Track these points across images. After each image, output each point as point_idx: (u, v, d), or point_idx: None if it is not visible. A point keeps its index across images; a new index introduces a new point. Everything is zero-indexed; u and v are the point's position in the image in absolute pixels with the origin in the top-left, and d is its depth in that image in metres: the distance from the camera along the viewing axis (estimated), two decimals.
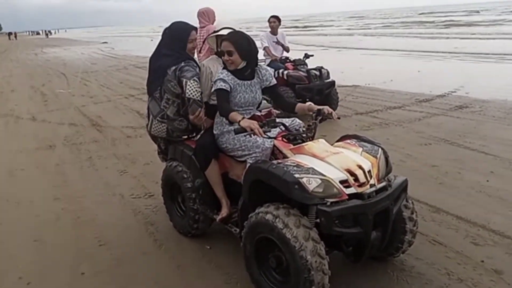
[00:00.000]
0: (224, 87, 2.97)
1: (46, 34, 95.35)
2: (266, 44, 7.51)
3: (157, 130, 3.45)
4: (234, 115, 2.81)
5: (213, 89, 3.04)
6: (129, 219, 3.94)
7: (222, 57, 3.04)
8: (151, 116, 3.48)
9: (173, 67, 3.23)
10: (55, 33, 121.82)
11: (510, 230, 3.41)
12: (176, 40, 3.32)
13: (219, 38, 3.34)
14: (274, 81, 3.22)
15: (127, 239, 3.58)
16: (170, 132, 3.42)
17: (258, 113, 3.19)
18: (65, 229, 3.82)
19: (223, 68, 3.09)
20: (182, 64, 3.22)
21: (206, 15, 5.70)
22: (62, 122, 8.19)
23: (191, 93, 3.13)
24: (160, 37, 3.45)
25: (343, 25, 54.18)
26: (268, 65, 7.31)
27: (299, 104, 3.15)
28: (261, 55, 3.81)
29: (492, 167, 4.81)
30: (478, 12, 60.25)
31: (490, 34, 24.78)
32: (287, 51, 7.81)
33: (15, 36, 78.51)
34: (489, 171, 4.68)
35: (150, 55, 3.50)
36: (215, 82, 3.02)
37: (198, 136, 3.40)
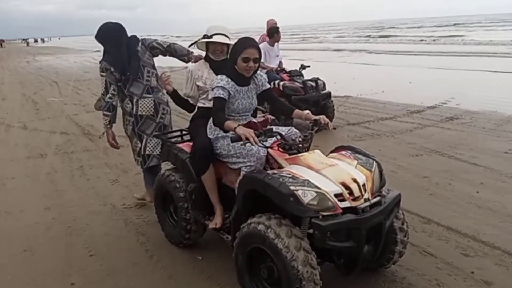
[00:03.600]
0: (222, 96, 2.94)
1: (26, 43, 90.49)
2: (261, 60, 7.48)
3: (144, 107, 3.76)
4: (229, 124, 2.78)
5: (210, 96, 3.03)
6: (120, 229, 3.92)
7: (246, 64, 2.97)
8: (135, 98, 3.76)
9: (139, 44, 3.77)
10: (47, 41, 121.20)
11: (500, 241, 3.43)
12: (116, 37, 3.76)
13: (210, 44, 3.37)
14: (268, 85, 3.26)
15: (118, 249, 3.56)
16: (156, 105, 3.75)
17: (255, 120, 3.20)
18: (55, 239, 3.79)
19: (222, 74, 3.04)
20: (141, 39, 3.81)
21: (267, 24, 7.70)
22: (53, 130, 8.15)
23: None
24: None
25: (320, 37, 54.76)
26: None
27: (296, 110, 3.15)
28: None
29: (483, 178, 4.86)
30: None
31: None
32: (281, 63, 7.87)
33: (1, 45, 74.53)
34: (480, 183, 4.72)
35: None
36: (212, 89, 3.00)
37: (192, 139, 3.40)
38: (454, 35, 38.20)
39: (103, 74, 3.68)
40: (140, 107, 3.75)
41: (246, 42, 3.03)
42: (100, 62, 3.73)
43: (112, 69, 3.66)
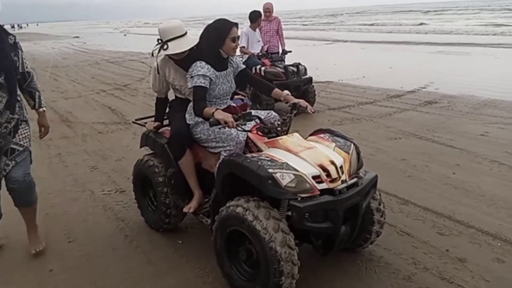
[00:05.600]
0: (203, 84, 2.88)
1: None
2: (243, 44, 7.43)
3: None
4: (207, 110, 2.75)
5: (190, 85, 2.93)
6: (99, 215, 3.89)
7: (235, 43, 2.95)
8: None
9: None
10: (24, 27, 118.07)
11: (474, 220, 3.53)
12: None
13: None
14: (243, 66, 3.24)
15: (97, 235, 3.53)
16: None
17: (234, 104, 3.18)
18: None
19: (199, 60, 2.95)
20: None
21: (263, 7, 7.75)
22: (30, 117, 7.94)
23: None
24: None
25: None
26: (245, 61, 7.30)
27: (276, 90, 3.15)
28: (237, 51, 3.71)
29: (459, 160, 4.96)
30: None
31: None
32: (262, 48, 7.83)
33: None
34: (456, 164, 4.82)
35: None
36: (192, 77, 2.91)
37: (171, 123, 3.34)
38: (423, 23, 38.29)
39: None
40: None
41: (228, 23, 2.99)
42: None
43: None
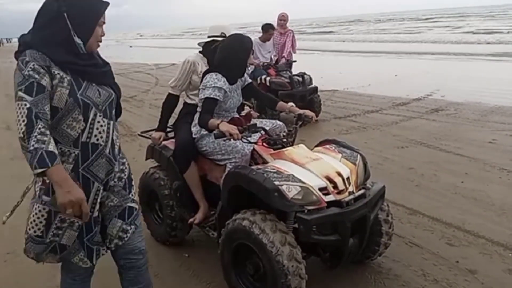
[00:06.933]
0: (217, 97, 2.88)
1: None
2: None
3: None
4: (212, 122, 2.75)
5: (203, 96, 2.91)
6: None
7: (252, 55, 3.05)
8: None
9: None
10: None
11: (484, 230, 3.48)
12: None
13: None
14: (249, 79, 3.25)
15: None
16: None
17: (238, 116, 3.18)
18: None
19: (215, 72, 2.96)
20: None
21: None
22: None
23: None
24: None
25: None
26: (251, 72, 7.29)
27: (280, 103, 3.17)
28: None
29: (467, 168, 4.91)
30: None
31: None
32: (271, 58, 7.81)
33: None
34: (464, 173, 4.77)
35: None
36: (206, 88, 2.89)
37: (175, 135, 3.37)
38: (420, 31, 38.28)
39: None
40: None
41: (250, 40, 3.08)
42: None
43: None
